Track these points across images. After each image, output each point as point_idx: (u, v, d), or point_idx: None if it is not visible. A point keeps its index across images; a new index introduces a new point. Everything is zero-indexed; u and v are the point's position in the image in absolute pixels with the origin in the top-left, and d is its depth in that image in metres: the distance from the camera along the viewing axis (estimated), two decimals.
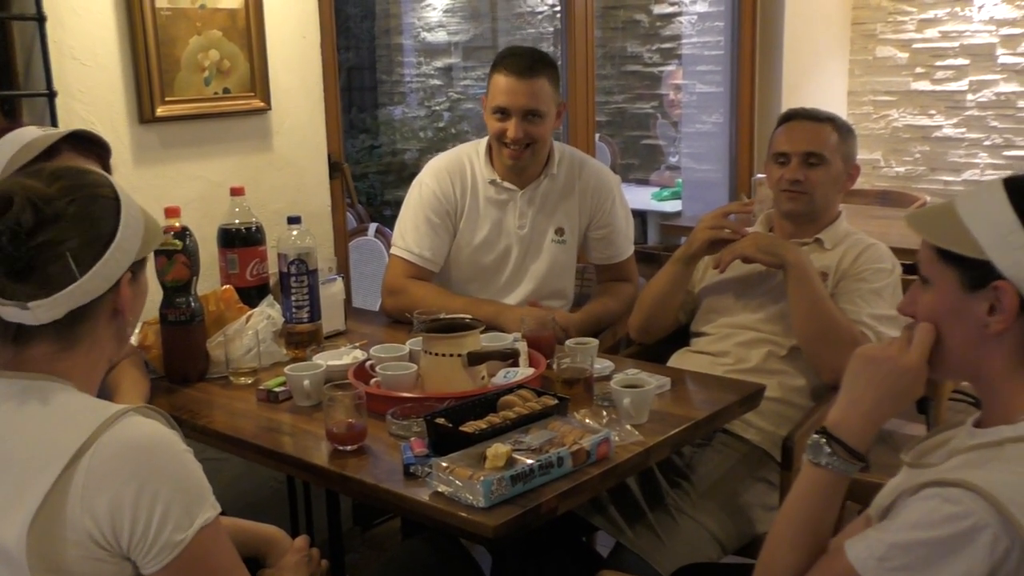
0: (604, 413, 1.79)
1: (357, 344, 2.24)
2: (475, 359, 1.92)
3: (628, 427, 1.75)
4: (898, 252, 2.31)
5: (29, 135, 1.81)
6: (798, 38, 4.51)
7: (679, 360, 2.34)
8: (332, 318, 2.41)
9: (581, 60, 3.72)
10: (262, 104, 2.68)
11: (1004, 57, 4.59)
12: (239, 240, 2.37)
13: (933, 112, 4.84)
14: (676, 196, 5.61)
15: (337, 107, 2.95)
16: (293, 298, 2.26)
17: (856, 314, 2.17)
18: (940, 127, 4.84)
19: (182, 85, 2.50)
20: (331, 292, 2.41)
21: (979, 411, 1.25)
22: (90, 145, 1.87)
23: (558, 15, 5.41)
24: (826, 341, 2.12)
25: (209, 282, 2.36)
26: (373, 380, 2.00)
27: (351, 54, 7.97)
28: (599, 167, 2.74)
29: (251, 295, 2.33)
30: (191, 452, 1.22)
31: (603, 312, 2.62)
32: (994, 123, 4.68)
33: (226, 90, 2.60)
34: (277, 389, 2.00)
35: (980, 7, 4.62)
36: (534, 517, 1.50)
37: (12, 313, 1.18)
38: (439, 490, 1.53)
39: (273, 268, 2.39)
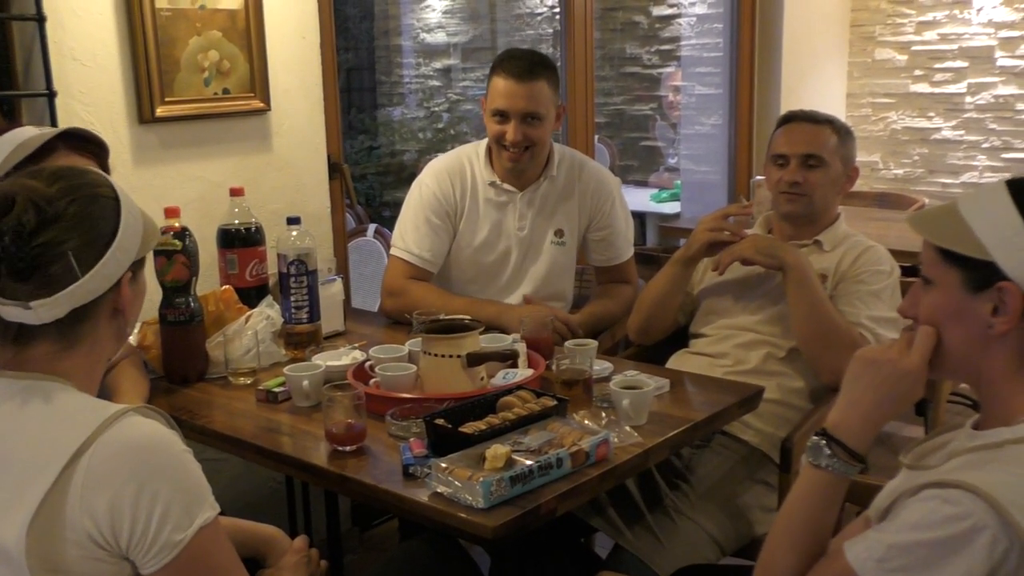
0: (603, 414, 1.79)
1: (356, 345, 2.24)
2: (474, 360, 1.92)
3: (627, 428, 1.75)
4: (896, 254, 2.31)
5: (24, 135, 1.80)
6: (797, 40, 4.51)
7: (678, 361, 2.34)
8: (331, 319, 2.41)
9: (580, 62, 3.72)
10: (262, 105, 2.68)
11: (1003, 60, 4.60)
12: (238, 240, 2.37)
13: (932, 114, 4.85)
14: (675, 198, 5.60)
15: (336, 108, 2.95)
16: (292, 299, 2.26)
17: (855, 316, 2.17)
18: (939, 129, 4.84)
19: (182, 86, 2.50)
20: (330, 293, 2.41)
21: (978, 413, 1.25)
22: (86, 143, 1.87)
23: (557, 16, 5.42)
24: (825, 343, 2.12)
25: (208, 282, 2.36)
26: (372, 381, 2.00)
27: (350, 55, 7.97)
28: (599, 169, 2.73)
29: (250, 295, 2.33)
30: (190, 452, 1.22)
31: (603, 313, 2.62)
32: (993, 125, 4.68)
33: (226, 91, 2.60)
34: (276, 389, 2.00)
35: (979, 10, 4.62)
36: (533, 518, 1.50)
37: (14, 313, 1.19)
38: (438, 491, 1.53)
39: (272, 268, 2.39)
